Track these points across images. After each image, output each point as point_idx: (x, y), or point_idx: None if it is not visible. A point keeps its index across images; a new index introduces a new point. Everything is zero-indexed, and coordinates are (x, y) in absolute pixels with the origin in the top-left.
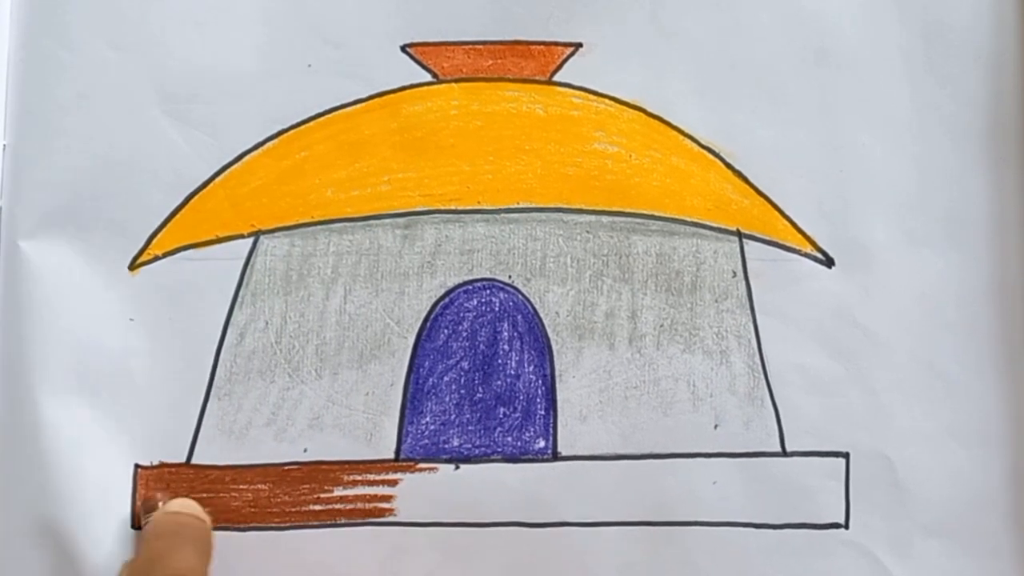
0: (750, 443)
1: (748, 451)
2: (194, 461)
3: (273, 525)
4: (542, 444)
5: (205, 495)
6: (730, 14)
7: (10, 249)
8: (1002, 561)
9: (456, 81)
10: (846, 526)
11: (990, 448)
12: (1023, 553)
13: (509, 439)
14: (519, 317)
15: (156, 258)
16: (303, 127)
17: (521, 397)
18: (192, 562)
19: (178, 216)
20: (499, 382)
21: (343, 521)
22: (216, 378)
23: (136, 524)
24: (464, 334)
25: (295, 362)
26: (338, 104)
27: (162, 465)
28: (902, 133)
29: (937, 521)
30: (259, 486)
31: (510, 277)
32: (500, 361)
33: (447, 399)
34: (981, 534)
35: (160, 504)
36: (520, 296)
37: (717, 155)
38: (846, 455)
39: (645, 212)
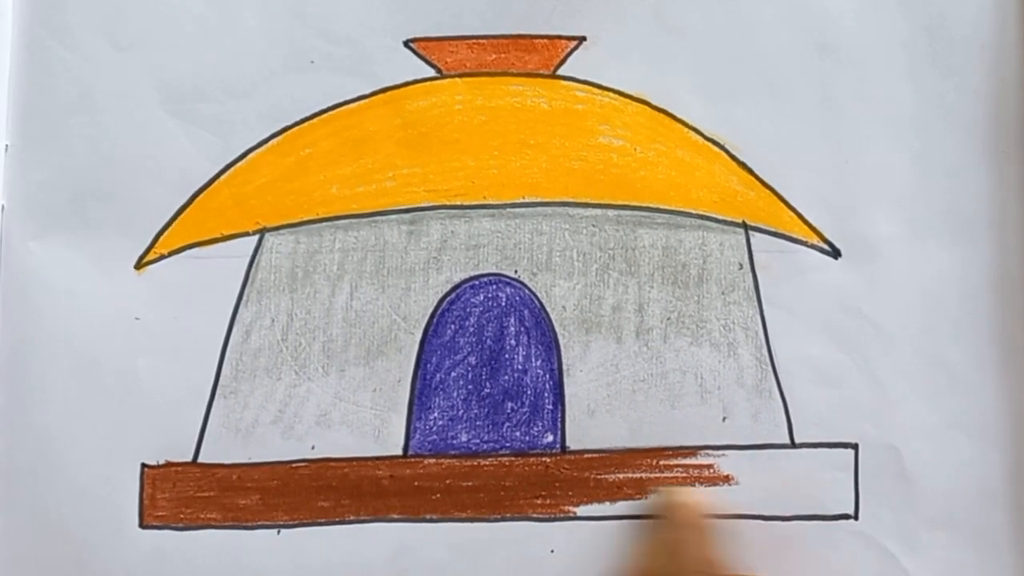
0: (759, 435)
1: (757, 443)
2: (201, 459)
3: (281, 523)
4: (550, 438)
5: (212, 493)
6: (733, 8)
7: (15, 249)
8: (1007, 553)
9: (460, 76)
10: (856, 517)
11: (995, 440)
12: None
13: (517, 434)
14: (526, 312)
15: (161, 257)
16: (307, 124)
17: (529, 392)
18: (718, 553)
19: (183, 215)
20: (506, 377)
21: (351, 518)
22: (222, 376)
23: (143, 523)
24: (471, 329)
25: (302, 359)
26: (342, 101)
27: (168, 464)
28: (905, 126)
29: (943, 513)
30: (267, 484)
31: (516, 272)
32: (507, 356)
33: (455, 395)
34: (986, 526)
35: (663, 492)
36: (527, 291)
37: (722, 147)
38: (855, 446)
39: (651, 205)
